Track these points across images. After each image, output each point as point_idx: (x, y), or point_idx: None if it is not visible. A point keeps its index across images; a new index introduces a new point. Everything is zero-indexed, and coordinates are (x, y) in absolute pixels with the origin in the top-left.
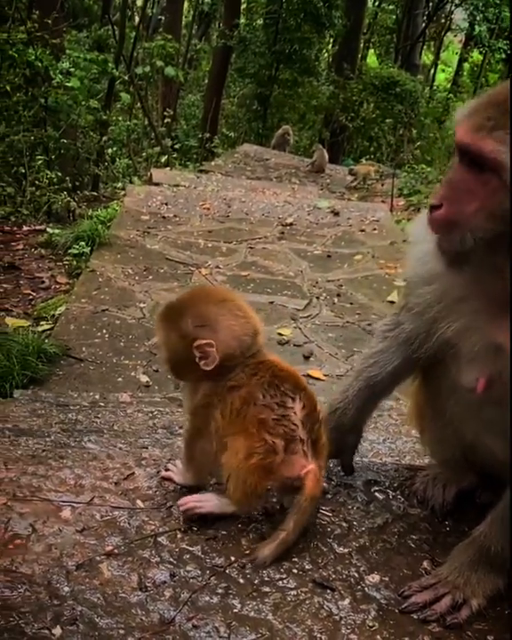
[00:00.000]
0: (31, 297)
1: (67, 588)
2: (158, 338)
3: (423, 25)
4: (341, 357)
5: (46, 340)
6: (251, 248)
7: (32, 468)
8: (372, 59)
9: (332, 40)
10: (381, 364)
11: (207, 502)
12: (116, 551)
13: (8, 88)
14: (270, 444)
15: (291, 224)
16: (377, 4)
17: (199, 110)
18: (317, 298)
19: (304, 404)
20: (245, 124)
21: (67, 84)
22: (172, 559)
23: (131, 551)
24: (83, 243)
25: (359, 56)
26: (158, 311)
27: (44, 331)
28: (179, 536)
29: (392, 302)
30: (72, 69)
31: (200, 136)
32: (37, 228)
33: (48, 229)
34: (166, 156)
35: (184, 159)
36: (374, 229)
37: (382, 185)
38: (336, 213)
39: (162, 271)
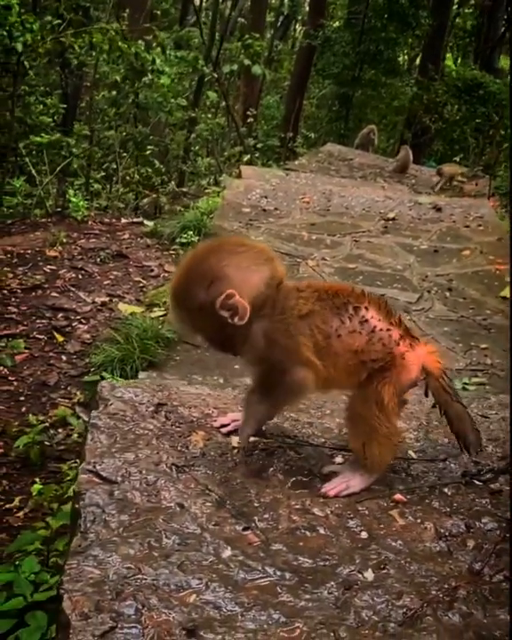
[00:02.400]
0: (142, 284)
1: (365, 534)
2: (186, 326)
3: (503, 29)
4: (459, 351)
5: (160, 326)
6: (355, 241)
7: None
8: (449, 61)
9: (416, 40)
10: None
11: (352, 480)
12: (404, 499)
13: (117, 78)
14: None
15: (393, 219)
16: (457, 6)
17: (279, 111)
18: (429, 291)
19: (376, 304)
20: (326, 125)
21: (158, 80)
22: (462, 510)
23: (419, 500)
24: (191, 232)
25: (443, 57)
26: (169, 305)
27: (157, 316)
28: (462, 489)
29: (505, 298)
30: (164, 67)
31: (282, 136)
32: (135, 220)
33: (145, 222)
34: (249, 156)
35: (265, 159)
36: (479, 226)
37: (476, 184)
38: (438, 209)
39: None
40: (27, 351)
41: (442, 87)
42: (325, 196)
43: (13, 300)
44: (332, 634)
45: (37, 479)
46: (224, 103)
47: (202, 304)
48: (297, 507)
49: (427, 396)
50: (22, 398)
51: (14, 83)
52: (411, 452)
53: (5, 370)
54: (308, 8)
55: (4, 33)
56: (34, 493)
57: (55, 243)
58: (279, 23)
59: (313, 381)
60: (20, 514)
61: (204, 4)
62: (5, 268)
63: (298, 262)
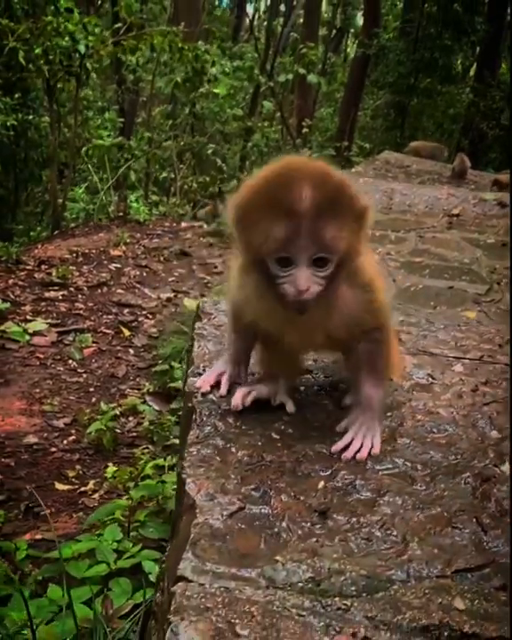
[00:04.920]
0: (206, 280)
1: (495, 433)
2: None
3: None
4: None
5: None
6: (420, 237)
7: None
8: (504, 68)
9: (472, 48)
10: None
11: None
12: None
13: (178, 79)
14: None
15: (457, 215)
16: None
17: (332, 123)
18: (498, 283)
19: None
20: (382, 135)
21: (214, 90)
22: None
23: None
24: None
25: (500, 64)
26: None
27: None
28: None
29: None
30: (220, 76)
31: (337, 145)
32: (195, 224)
33: (205, 226)
34: None
35: None
36: None
37: None
38: (504, 205)
39: None
40: (94, 345)
41: (499, 94)
42: (387, 194)
43: (80, 296)
44: (475, 520)
45: (110, 464)
46: (279, 114)
47: (360, 211)
48: (419, 407)
49: None
50: (92, 389)
51: (77, 85)
52: None
53: (74, 363)
54: (361, 19)
55: (67, 36)
56: (108, 476)
57: (119, 243)
58: (331, 36)
59: None
60: (95, 496)
61: (255, 22)
62: (71, 267)
63: None
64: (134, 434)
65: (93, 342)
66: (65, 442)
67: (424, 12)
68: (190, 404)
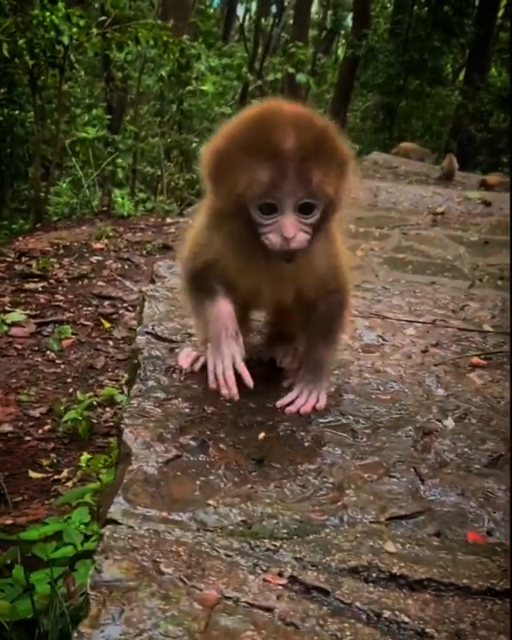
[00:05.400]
0: None
1: (441, 391)
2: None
3: None
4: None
5: None
6: (404, 234)
7: (360, 292)
8: (493, 71)
9: (461, 51)
10: None
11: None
12: (483, 363)
13: (163, 73)
14: None
15: (442, 213)
16: (501, 18)
17: None
18: (480, 280)
19: None
20: (371, 136)
21: (201, 87)
22: None
23: (499, 365)
24: None
25: (489, 67)
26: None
27: None
28: None
29: None
30: (207, 73)
31: None
32: (180, 219)
33: (190, 221)
34: None
35: None
36: None
37: None
38: (487, 204)
39: None
40: (73, 337)
41: (487, 96)
42: (372, 191)
43: (60, 288)
44: (413, 470)
45: (85, 453)
46: None
47: (344, 157)
48: (367, 365)
49: None
50: (69, 380)
51: (60, 77)
52: (486, 326)
53: (53, 354)
54: (351, 21)
55: (51, 27)
56: (82, 464)
57: (101, 236)
58: (322, 37)
59: None
60: (69, 483)
61: (246, 23)
62: (52, 259)
63: None
64: (111, 424)
65: (72, 334)
66: (40, 431)
67: (414, 13)
68: (136, 361)
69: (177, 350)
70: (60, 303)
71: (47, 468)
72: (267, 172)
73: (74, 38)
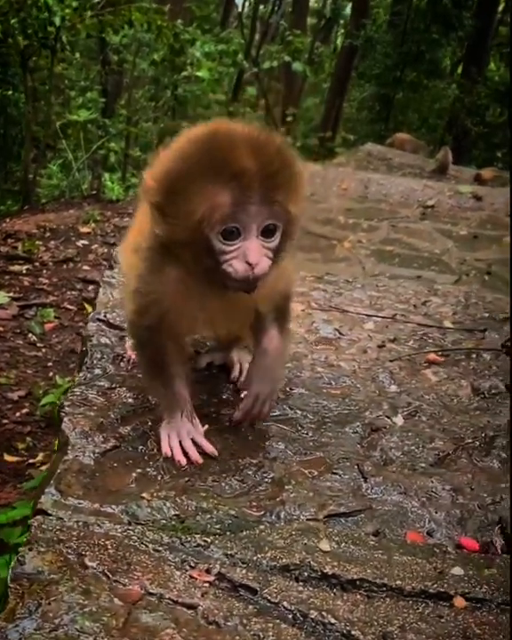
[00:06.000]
0: None
1: (394, 387)
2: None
3: None
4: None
5: None
6: (393, 226)
7: (321, 285)
8: (492, 65)
9: (459, 44)
10: None
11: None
12: (439, 360)
13: (155, 58)
14: None
15: (432, 206)
16: (501, 13)
17: (318, 113)
18: (467, 275)
19: None
20: (366, 127)
21: (196, 73)
22: (503, 374)
23: (455, 362)
24: None
25: (487, 61)
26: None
27: None
28: (502, 356)
29: None
30: (202, 58)
31: (321, 135)
32: None
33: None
34: None
35: (302, 157)
36: None
37: None
38: (478, 198)
39: (305, 244)
40: (56, 320)
41: (484, 90)
42: (363, 183)
43: (45, 271)
44: (357, 467)
45: None
46: (263, 100)
47: (299, 174)
48: (320, 359)
49: None
50: (50, 364)
51: (52, 58)
52: (447, 322)
53: (34, 337)
54: (350, 10)
55: (44, 7)
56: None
57: (88, 220)
58: (321, 25)
59: None
60: (44, 468)
61: (245, 11)
62: (37, 242)
63: (334, 244)
64: None
65: (55, 317)
66: (18, 414)
67: (413, 5)
68: (84, 348)
69: (127, 338)
70: (44, 286)
71: (23, 451)
72: (229, 195)
73: (66, 19)
